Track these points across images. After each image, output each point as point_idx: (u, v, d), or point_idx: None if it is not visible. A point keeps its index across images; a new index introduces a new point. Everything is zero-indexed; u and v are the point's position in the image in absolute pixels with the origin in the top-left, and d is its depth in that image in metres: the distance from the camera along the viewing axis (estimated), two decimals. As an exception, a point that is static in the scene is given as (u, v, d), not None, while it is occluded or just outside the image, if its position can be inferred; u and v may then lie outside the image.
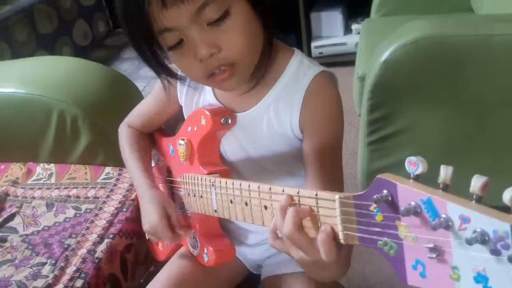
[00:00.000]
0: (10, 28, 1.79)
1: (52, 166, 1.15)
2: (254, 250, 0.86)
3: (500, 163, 1.26)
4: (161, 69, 0.67)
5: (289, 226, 0.51)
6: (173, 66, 0.69)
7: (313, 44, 2.57)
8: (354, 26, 2.57)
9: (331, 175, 0.68)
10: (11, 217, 1.02)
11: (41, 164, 1.16)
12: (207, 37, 0.59)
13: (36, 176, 1.13)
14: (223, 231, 0.77)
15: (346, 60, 2.44)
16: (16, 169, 1.16)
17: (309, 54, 2.58)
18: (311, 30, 2.61)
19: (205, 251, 0.74)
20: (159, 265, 0.87)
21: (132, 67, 1.99)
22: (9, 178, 1.13)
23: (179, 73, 0.72)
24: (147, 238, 0.91)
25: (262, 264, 0.87)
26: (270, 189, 0.56)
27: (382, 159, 1.28)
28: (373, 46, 1.44)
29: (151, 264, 1.01)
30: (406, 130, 1.23)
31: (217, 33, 0.59)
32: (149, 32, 0.59)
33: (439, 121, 1.22)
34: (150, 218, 0.75)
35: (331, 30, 2.59)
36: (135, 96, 1.28)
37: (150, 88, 0.87)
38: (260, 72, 0.68)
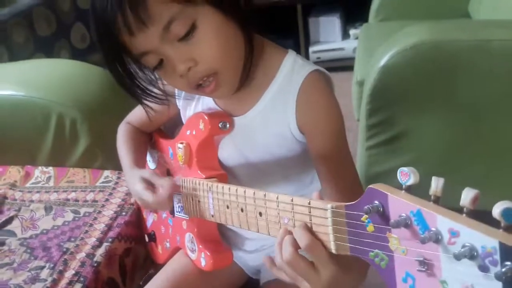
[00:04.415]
0: (8, 31, 1.78)
1: (50, 169, 1.14)
2: (252, 256, 0.85)
3: (498, 169, 1.26)
4: (138, 89, 0.68)
5: (289, 250, 0.51)
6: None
7: (311, 49, 2.58)
8: (352, 31, 2.58)
9: (343, 172, 0.69)
10: (9, 220, 1.01)
11: (40, 167, 1.16)
12: (180, 53, 0.60)
13: (35, 179, 1.13)
14: (221, 237, 0.77)
15: (344, 65, 2.45)
16: (14, 172, 1.15)
17: (306, 59, 2.58)
18: (309, 35, 2.62)
19: (203, 255, 0.74)
20: (158, 268, 0.86)
21: (131, 71, 1.98)
22: (7, 181, 1.13)
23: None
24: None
25: (261, 269, 0.87)
26: (264, 195, 0.56)
27: (381, 164, 1.28)
28: (371, 51, 1.44)
29: (150, 267, 1.01)
30: (405, 135, 1.23)
31: (189, 47, 0.60)
32: (122, 56, 0.63)
33: (438, 126, 1.22)
34: (135, 189, 0.76)
35: (329, 35, 2.60)
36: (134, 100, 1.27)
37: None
38: (245, 72, 0.67)
